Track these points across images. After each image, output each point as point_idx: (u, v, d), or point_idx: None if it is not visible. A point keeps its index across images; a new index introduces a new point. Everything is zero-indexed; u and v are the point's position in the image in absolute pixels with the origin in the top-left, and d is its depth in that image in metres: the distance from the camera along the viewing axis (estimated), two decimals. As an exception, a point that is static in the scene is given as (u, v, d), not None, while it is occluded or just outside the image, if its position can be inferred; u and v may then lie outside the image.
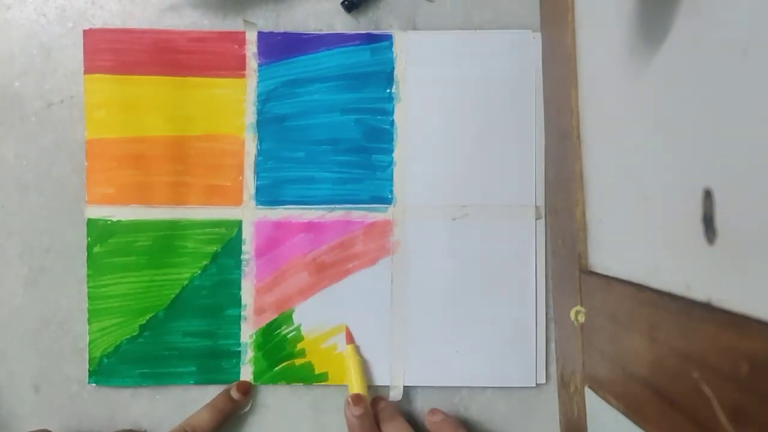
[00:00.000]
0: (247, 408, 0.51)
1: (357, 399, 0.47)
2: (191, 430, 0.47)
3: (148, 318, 0.51)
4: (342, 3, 0.52)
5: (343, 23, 0.52)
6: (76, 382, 0.51)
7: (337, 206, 0.52)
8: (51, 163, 0.51)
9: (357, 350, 0.51)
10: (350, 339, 0.51)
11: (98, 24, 0.52)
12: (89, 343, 0.50)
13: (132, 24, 0.52)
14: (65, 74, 0.52)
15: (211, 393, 0.51)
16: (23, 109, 0.52)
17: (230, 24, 0.52)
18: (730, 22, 0.23)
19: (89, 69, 0.51)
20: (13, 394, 0.51)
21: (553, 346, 0.50)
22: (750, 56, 0.22)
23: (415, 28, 0.52)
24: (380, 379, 0.51)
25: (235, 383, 0.50)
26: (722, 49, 0.24)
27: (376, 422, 0.48)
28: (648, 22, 0.31)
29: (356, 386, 0.49)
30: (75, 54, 0.51)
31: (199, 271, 0.51)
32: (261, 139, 0.51)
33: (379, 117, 0.52)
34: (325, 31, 0.52)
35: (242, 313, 0.51)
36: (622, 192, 0.35)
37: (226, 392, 0.50)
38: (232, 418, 0.50)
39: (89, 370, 0.51)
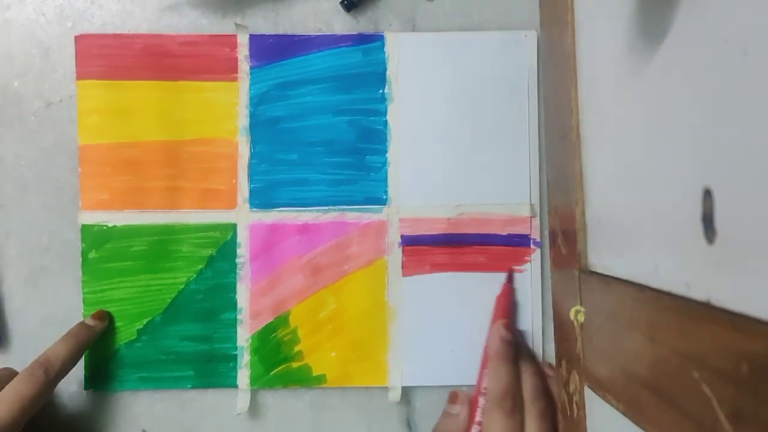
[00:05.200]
0: (244, 410, 0.51)
1: (507, 325, 0.49)
2: (46, 361, 0.45)
3: (145, 322, 0.50)
4: (341, 2, 0.51)
5: (342, 23, 0.52)
6: (76, 382, 0.51)
7: (332, 208, 0.51)
8: (50, 163, 0.51)
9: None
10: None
11: (98, 23, 0.51)
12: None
13: (131, 23, 0.51)
14: (64, 74, 0.51)
15: (209, 395, 0.51)
16: (22, 108, 0.51)
17: (230, 23, 0.52)
18: (729, 22, 0.23)
19: (81, 75, 0.51)
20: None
21: (551, 345, 0.50)
22: (749, 56, 0.22)
23: (414, 28, 0.52)
24: (377, 380, 0.51)
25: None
26: (722, 48, 0.24)
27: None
28: (648, 21, 0.31)
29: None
30: (74, 54, 0.51)
31: (195, 275, 0.51)
32: (254, 142, 0.51)
33: (372, 118, 0.52)
34: (320, 32, 0.52)
35: (238, 317, 0.51)
36: (622, 192, 0.35)
37: (82, 321, 0.49)
38: (89, 345, 0.49)
39: (85, 376, 0.50)
